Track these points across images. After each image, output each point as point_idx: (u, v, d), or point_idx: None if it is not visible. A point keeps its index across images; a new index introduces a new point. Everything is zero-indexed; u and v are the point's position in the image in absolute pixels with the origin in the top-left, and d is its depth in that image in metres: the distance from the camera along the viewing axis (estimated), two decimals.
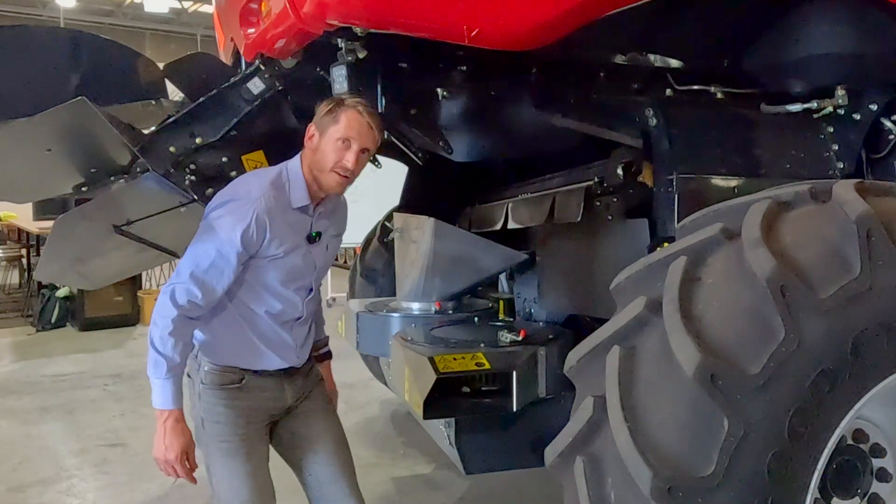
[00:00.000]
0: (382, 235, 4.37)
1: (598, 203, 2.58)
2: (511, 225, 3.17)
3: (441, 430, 2.80)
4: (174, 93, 2.65)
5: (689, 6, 2.23)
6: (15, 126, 2.10)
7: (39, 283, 8.26)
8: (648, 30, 2.30)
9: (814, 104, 2.40)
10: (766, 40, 2.37)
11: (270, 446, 2.24)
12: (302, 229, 2.10)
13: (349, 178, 2.05)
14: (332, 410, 2.34)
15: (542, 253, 3.04)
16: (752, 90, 2.51)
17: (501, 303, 3.34)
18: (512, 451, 2.70)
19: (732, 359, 1.46)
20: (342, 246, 2.49)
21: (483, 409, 2.44)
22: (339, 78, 2.19)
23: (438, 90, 2.39)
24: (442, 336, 2.69)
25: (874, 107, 2.46)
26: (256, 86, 2.34)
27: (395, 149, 2.69)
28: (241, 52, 2.47)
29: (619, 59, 2.40)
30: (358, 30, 1.98)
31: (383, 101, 2.31)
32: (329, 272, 2.33)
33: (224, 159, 2.33)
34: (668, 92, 2.46)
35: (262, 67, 2.33)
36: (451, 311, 3.02)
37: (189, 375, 2.12)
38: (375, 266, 4.46)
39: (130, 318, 8.18)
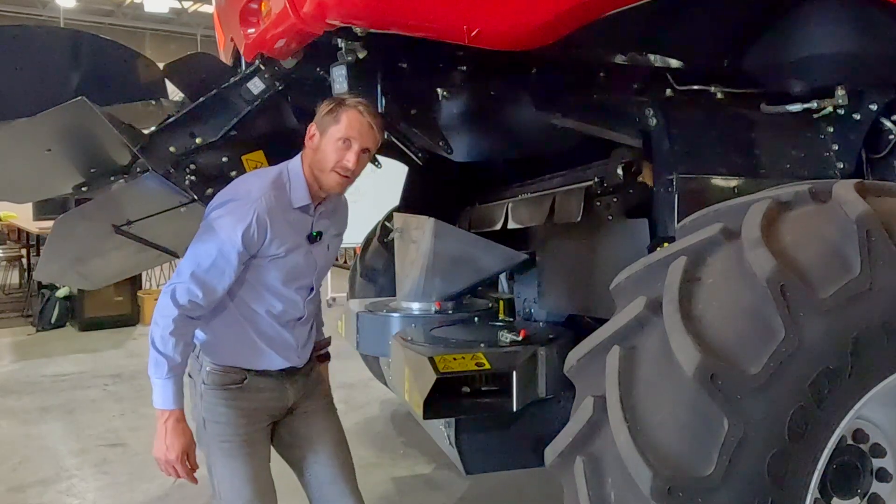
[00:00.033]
0: (382, 235, 4.37)
1: (598, 203, 2.58)
2: (511, 225, 3.17)
3: (441, 430, 2.80)
4: (174, 93, 2.65)
5: (689, 6, 2.22)
6: (15, 126, 2.10)
7: (39, 283, 8.26)
8: (648, 30, 2.30)
9: (814, 104, 2.40)
10: (766, 40, 2.37)
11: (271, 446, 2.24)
12: (303, 229, 2.10)
13: (350, 177, 2.05)
14: (333, 411, 2.34)
15: (542, 253, 3.04)
16: (752, 90, 2.50)
17: (501, 303, 3.34)
18: (512, 451, 2.70)
19: (732, 359, 1.46)
20: (342, 246, 2.49)
21: (483, 409, 2.44)
22: (339, 78, 2.19)
23: (438, 90, 2.39)
24: (442, 336, 2.69)
25: (874, 107, 2.46)
26: (256, 86, 2.34)
27: (395, 149, 2.69)
28: (241, 52, 2.47)
29: (619, 59, 2.40)
30: (358, 30, 1.98)
31: (383, 101, 2.31)
32: (329, 272, 2.33)
33: (224, 159, 2.33)
34: (668, 92, 2.46)
35: (262, 67, 2.33)
36: (451, 311, 3.02)
37: (190, 375, 2.12)
38: (375, 266, 4.46)
39: (130, 318, 8.19)
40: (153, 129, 2.28)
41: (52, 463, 4.14)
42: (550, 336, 2.65)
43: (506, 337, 2.57)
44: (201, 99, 2.34)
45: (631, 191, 2.49)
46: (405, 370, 2.45)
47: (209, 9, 18.91)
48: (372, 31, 1.98)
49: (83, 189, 2.47)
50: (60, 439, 4.57)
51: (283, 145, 2.35)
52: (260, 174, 2.11)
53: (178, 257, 2.98)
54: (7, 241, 11.06)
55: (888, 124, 2.49)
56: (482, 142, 2.87)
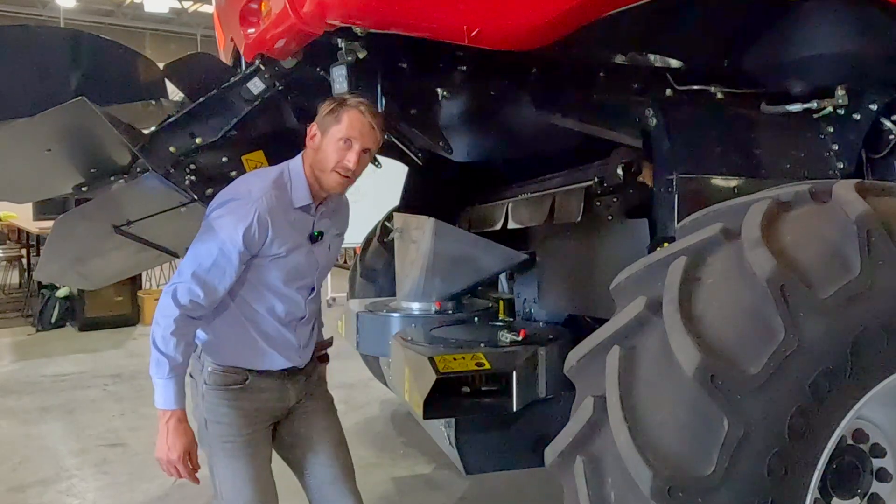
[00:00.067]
0: (382, 235, 4.38)
1: (598, 203, 2.58)
2: (511, 225, 3.17)
3: (441, 430, 2.80)
4: (174, 93, 2.64)
5: (689, 6, 2.23)
6: (15, 126, 2.10)
7: (39, 283, 8.27)
8: (648, 30, 2.30)
9: (814, 104, 2.40)
10: (766, 40, 2.37)
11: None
12: (304, 228, 2.10)
13: (350, 178, 2.05)
14: (333, 411, 2.34)
15: (542, 253, 3.04)
16: (752, 90, 2.51)
17: (501, 303, 3.34)
18: (512, 451, 2.71)
19: (732, 359, 1.46)
20: (342, 246, 2.49)
21: (483, 409, 2.45)
22: (339, 78, 2.19)
23: (438, 90, 2.39)
24: (442, 336, 2.69)
25: (874, 107, 2.46)
26: (256, 86, 2.34)
27: (395, 149, 2.69)
28: (241, 52, 2.47)
29: (619, 59, 2.40)
30: (358, 30, 1.98)
31: (383, 101, 2.31)
32: (329, 272, 2.33)
33: (224, 159, 2.33)
34: (668, 92, 2.46)
35: (262, 67, 2.33)
36: (451, 311, 3.02)
37: (192, 376, 2.12)
38: (375, 266, 4.47)
39: (130, 318, 8.19)
40: (153, 129, 2.28)
41: (52, 463, 4.14)
42: (550, 336, 2.66)
43: (506, 337, 2.58)
44: (201, 99, 2.34)
45: (631, 191, 2.49)
46: (405, 370, 2.45)
47: (209, 9, 18.92)
48: (372, 31, 1.98)
49: (83, 189, 2.47)
50: (60, 439, 4.57)
51: (283, 145, 2.35)
52: (261, 174, 2.11)
53: (178, 257, 2.98)
54: (7, 241, 11.06)
55: (888, 124, 2.49)
56: (482, 142, 2.88)
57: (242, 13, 2.35)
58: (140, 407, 5.12)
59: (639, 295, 1.70)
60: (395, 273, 3.39)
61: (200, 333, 2.08)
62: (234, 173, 2.31)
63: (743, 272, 1.56)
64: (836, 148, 2.49)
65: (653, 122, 2.44)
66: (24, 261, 9.83)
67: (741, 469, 1.43)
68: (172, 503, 3.58)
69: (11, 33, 2.29)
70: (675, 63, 2.46)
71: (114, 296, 7.98)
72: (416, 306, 3.07)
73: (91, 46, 2.33)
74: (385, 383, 4.46)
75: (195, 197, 2.26)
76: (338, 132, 2.00)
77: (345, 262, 10.78)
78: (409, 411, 4.16)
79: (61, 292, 8.02)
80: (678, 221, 2.14)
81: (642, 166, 2.45)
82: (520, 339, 2.55)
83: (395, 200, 3.94)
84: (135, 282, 8.29)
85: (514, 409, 2.38)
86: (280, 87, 2.35)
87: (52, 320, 8.02)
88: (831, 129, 2.50)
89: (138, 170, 2.34)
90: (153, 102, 2.53)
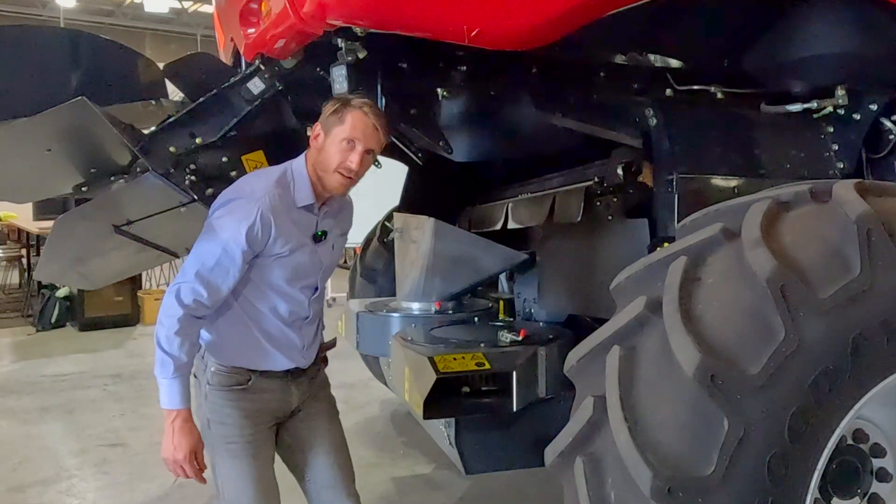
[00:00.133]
0: (382, 235, 4.38)
1: (598, 203, 2.58)
2: (511, 225, 3.17)
3: (441, 430, 2.80)
4: (174, 93, 2.64)
5: (689, 6, 2.23)
6: (15, 126, 2.09)
7: (39, 283, 8.27)
8: (648, 30, 2.30)
9: (814, 104, 2.40)
10: (766, 40, 2.37)
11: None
12: (307, 228, 2.10)
13: (353, 178, 2.05)
14: (335, 415, 2.33)
15: (542, 253, 3.04)
16: (752, 90, 2.51)
17: (501, 303, 3.34)
18: (512, 451, 2.70)
19: (732, 359, 1.46)
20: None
21: (483, 409, 2.44)
22: (339, 78, 2.19)
23: (438, 90, 2.39)
24: (442, 336, 2.69)
25: (874, 107, 2.47)
26: (256, 86, 2.34)
27: (395, 149, 2.69)
28: (241, 52, 2.47)
29: (619, 59, 2.40)
30: (358, 30, 1.98)
31: (383, 101, 2.31)
32: (332, 272, 2.33)
33: (224, 159, 2.33)
34: (668, 92, 2.46)
35: (262, 67, 2.33)
36: (451, 311, 3.02)
37: (195, 376, 2.11)
38: (375, 266, 4.47)
39: (130, 318, 8.18)
40: (153, 129, 2.28)
41: (52, 463, 4.14)
42: (550, 336, 2.65)
43: (506, 337, 2.57)
44: (201, 99, 2.34)
45: (631, 191, 2.49)
46: (405, 370, 2.45)
47: (209, 9, 18.92)
48: (372, 31, 1.98)
49: (83, 189, 2.47)
50: (60, 439, 4.57)
51: (283, 145, 2.35)
52: (264, 173, 2.11)
53: (178, 257, 2.98)
54: (7, 241, 11.06)
55: (888, 124, 2.49)
56: (482, 142, 2.88)
57: (242, 13, 2.35)
58: (140, 407, 5.12)
59: (639, 295, 1.70)
60: (395, 273, 3.39)
61: (204, 333, 2.08)
62: (234, 173, 2.31)
63: (743, 272, 1.56)
64: (836, 148, 2.49)
65: (653, 122, 2.44)
66: (24, 261, 9.84)
67: (741, 469, 1.43)
68: (172, 503, 3.58)
69: (11, 33, 2.29)
70: (675, 63, 2.46)
71: (114, 296, 7.98)
72: (416, 306, 3.06)
73: (91, 46, 2.33)
74: (385, 383, 4.46)
75: (195, 197, 2.26)
76: (341, 133, 1.99)
77: (345, 262, 10.77)
78: (409, 411, 4.16)
79: (61, 292, 8.03)
80: (678, 221, 2.14)
81: (642, 166, 2.45)
82: (520, 339, 2.55)
83: (395, 200, 3.94)
84: (135, 282, 8.28)
85: (514, 409, 2.38)
86: (280, 87, 2.35)
87: (52, 320, 8.02)
88: (831, 129, 2.50)
89: (138, 170, 2.34)
90: (153, 102, 2.53)
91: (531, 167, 3.24)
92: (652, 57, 2.44)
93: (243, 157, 2.35)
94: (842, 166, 2.48)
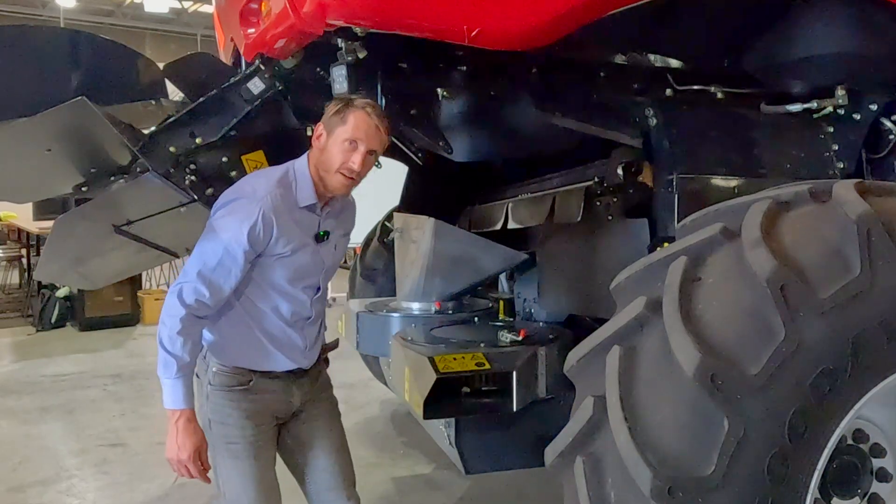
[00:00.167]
0: (382, 235, 4.38)
1: (598, 203, 2.58)
2: (511, 225, 3.17)
3: (441, 430, 2.80)
4: (174, 93, 2.64)
5: (689, 6, 2.23)
6: (15, 126, 2.10)
7: (39, 283, 8.27)
8: (648, 30, 2.30)
9: (814, 104, 2.40)
10: (766, 40, 2.37)
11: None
12: (310, 228, 2.10)
13: (355, 179, 2.05)
14: (337, 417, 2.33)
15: (542, 253, 3.04)
16: (752, 90, 2.51)
17: (501, 303, 3.33)
18: (512, 451, 2.70)
19: (732, 359, 1.46)
20: None
21: (483, 409, 2.44)
22: (339, 78, 2.19)
23: (438, 90, 2.39)
24: (442, 336, 2.69)
25: (874, 107, 2.47)
26: (256, 86, 2.33)
27: (396, 149, 2.69)
28: (241, 52, 2.47)
29: (619, 59, 2.40)
30: (358, 30, 1.98)
31: (383, 101, 2.31)
32: (335, 272, 2.33)
33: (224, 159, 2.33)
34: (668, 92, 2.46)
35: (262, 67, 2.33)
36: (451, 311, 3.02)
37: (197, 376, 2.11)
38: (375, 266, 4.47)
39: (130, 318, 8.18)
40: (153, 129, 2.28)
41: (52, 463, 4.14)
42: (550, 336, 2.65)
43: (506, 337, 2.57)
44: (201, 99, 2.34)
45: (631, 191, 2.49)
46: (405, 370, 2.45)
47: (209, 9, 18.92)
48: (372, 31, 1.98)
49: (83, 189, 2.47)
50: (60, 439, 4.57)
51: (283, 145, 2.35)
52: (266, 173, 2.11)
53: (178, 257, 2.98)
54: (7, 241, 11.06)
55: (888, 124, 2.49)
56: (482, 142, 2.88)
57: (242, 13, 2.35)
58: (140, 407, 5.12)
59: (639, 295, 1.70)
60: (395, 273, 3.39)
61: (206, 333, 2.08)
62: (234, 173, 2.31)
63: (743, 272, 1.56)
64: (836, 148, 2.49)
65: (653, 122, 2.44)
66: (24, 261, 9.83)
67: (741, 469, 1.43)
68: (172, 503, 3.58)
69: (11, 33, 2.29)
70: (675, 63, 2.46)
71: (114, 296, 7.98)
72: (416, 306, 3.06)
73: (91, 46, 2.33)
74: (385, 383, 4.46)
75: (195, 197, 2.26)
76: (343, 133, 1.99)
77: (345, 262, 10.77)
78: (409, 411, 4.16)
79: (61, 292, 8.02)
80: (678, 221, 2.14)
81: (642, 166, 2.45)
82: (520, 339, 2.55)
83: (395, 200, 3.94)
84: (135, 282, 8.28)
85: (514, 409, 2.38)
86: (280, 87, 2.35)
87: (52, 320, 8.02)
88: (831, 129, 2.50)
89: (138, 170, 2.34)
90: (153, 102, 2.53)
91: (531, 167, 3.24)
92: (652, 57, 2.44)
93: (243, 157, 2.35)
94: (842, 166, 2.48)
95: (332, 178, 2.03)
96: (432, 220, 2.85)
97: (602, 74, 2.46)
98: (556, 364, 2.43)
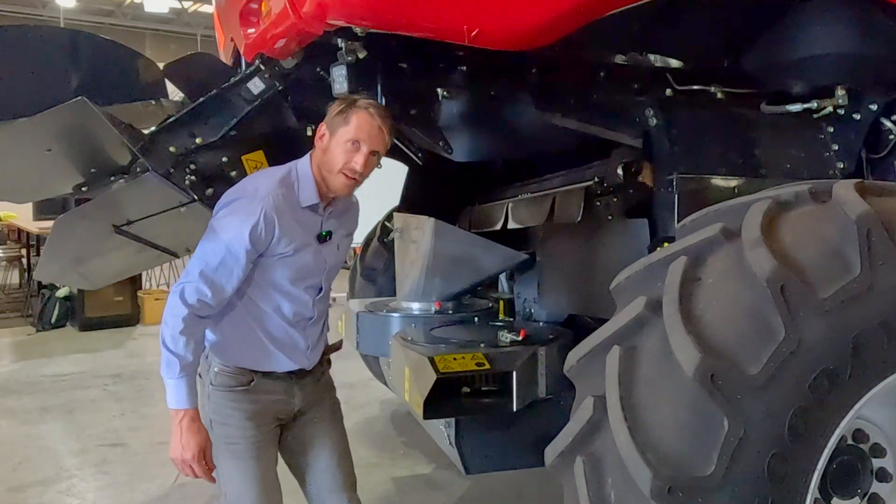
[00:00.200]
0: (382, 235, 4.37)
1: (598, 203, 2.58)
2: (511, 225, 3.17)
3: (441, 430, 2.80)
4: (174, 93, 2.64)
5: (689, 6, 2.23)
6: (15, 126, 2.10)
7: (39, 283, 8.26)
8: (648, 30, 2.30)
9: (814, 104, 2.40)
10: (766, 40, 2.37)
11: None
12: (312, 228, 2.10)
13: (357, 180, 2.05)
14: (339, 419, 2.32)
15: (542, 253, 3.04)
16: (752, 90, 2.51)
17: (501, 303, 3.33)
18: (512, 451, 2.70)
19: (732, 359, 1.46)
20: None
21: (483, 409, 2.44)
22: (339, 78, 2.19)
23: (438, 90, 2.39)
24: (442, 336, 2.69)
25: (874, 107, 2.46)
26: (256, 86, 2.34)
27: (395, 149, 2.69)
28: (241, 52, 2.47)
29: (619, 59, 2.40)
30: (358, 30, 1.98)
31: (383, 101, 2.31)
32: (337, 273, 2.32)
33: (224, 159, 2.33)
34: (668, 92, 2.46)
35: (262, 67, 2.33)
36: (451, 311, 3.02)
37: (200, 376, 2.11)
38: (375, 266, 4.46)
39: (130, 318, 8.18)
40: (153, 129, 2.28)
41: (52, 463, 4.14)
42: (550, 336, 2.65)
43: (506, 337, 2.57)
44: (201, 99, 2.34)
45: (631, 191, 2.49)
46: (405, 370, 2.45)
47: (209, 9, 18.91)
48: (372, 31, 1.98)
49: (83, 189, 2.47)
50: (60, 439, 4.57)
51: (282, 145, 2.35)
52: (268, 173, 2.11)
53: (178, 257, 2.98)
54: (7, 241, 11.06)
55: (888, 124, 2.49)
56: (482, 142, 2.87)
57: (242, 13, 2.35)
58: (140, 407, 5.12)
59: (639, 295, 1.70)
60: (395, 273, 3.39)
61: (208, 334, 2.08)
62: (234, 173, 2.32)
63: (743, 272, 1.56)
64: (836, 148, 2.49)
65: (653, 122, 2.44)
66: (24, 261, 9.83)
67: (741, 469, 1.43)
68: (172, 503, 3.58)
69: (11, 33, 2.29)
70: (675, 63, 2.46)
71: (114, 296, 7.98)
72: (416, 306, 3.06)
73: (91, 46, 2.33)
74: (385, 383, 4.45)
75: (195, 197, 2.26)
76: (346, 133, 1.99)
77: (345, 262, 10.76)
78: (409, 411, 4.15)
79: (61, 292, 8.02)
80: (678, 221, 2.14)
81: (642, 166, 2.45)
82: (520, 339, 2.55)
83: (395, 200, 3.94)
84: (135, 282, 8.28)
85: (514, 409, 2.38)
86: (280, 87, 2.35)
87: (52, 320, 8.02)
88: (831, 129, 2.50)
89: (138, 170, 2.34)
90: (153, 102, 2.53)
91: (531, 167, 3.24)
92: (652, 57, 2.44)
93: (243, 157, 2.36)
94: (842, 166, 2.47)
95: (334, 178, 2.03)
96: (432, 220, 2.85)
97: (602, 74, 2.46)
98: (556, 364, 2.43)
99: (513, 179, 3.41)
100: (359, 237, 4.76)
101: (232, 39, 2.72)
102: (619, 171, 2.45)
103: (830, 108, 2.40)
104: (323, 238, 2.12)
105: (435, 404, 2.26)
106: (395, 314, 3.02)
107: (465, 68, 2.38)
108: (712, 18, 2.32)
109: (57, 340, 7.51)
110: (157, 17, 22.78)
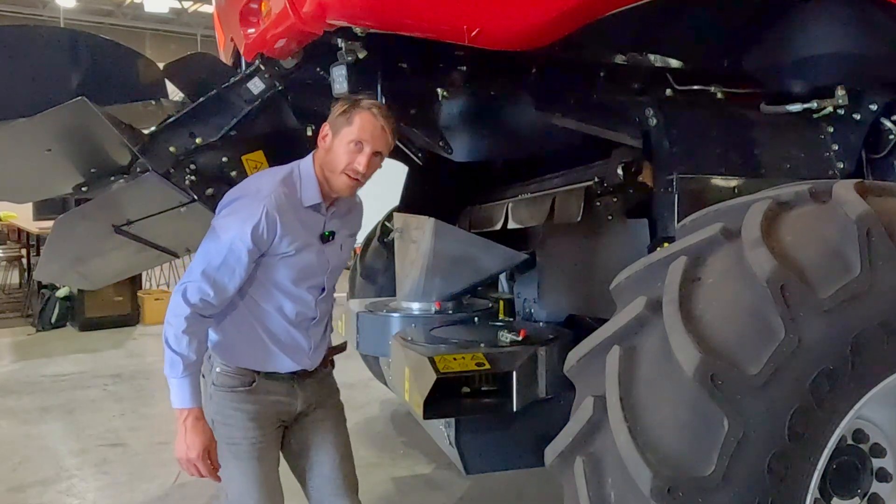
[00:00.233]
0: (382, 235, 4.37)
1: (598, 203, 2.58)
2: (511, 225, 3.17)
3: (441, 430, 2.80)
4: (174, 93, 2.65)
5: (689, 6, 2.23)
6: (15, 126, 2.10)
7: (39, 283, 8.26)
8: (648, 30, 2.30)
9: (814, 104, 2.40)
10: (766, 40, 2.37)
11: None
12: (314, 228, 2.09)
13: (360, 180, 2.04)
14: (343, 423, 2.32)
15: (542, 253, 3.04)
16: (752, 90, 2.51)
17: (501, 303, 3.33)
18: (512, 451, 2.70)
19: (732, 359, 1.46)
20: None
21: (483, 409, 2.44)
22: (339, 78, 2.19)
23: (438, 90, 2.39)
24: (442, 336, 2.69)
25: (874, 107, 2.46)
26: (256, 86, 2.34)
27: (396, 149, 2.68)
28: (241, 52, 2.47)
29: (619, 59, 2.40)
30: (358, 30, 1.98)
31: (383, 101, 2.31)
32: (341, 273, 2.31)
33: (224, 159, 2.33)
34: (668, 92, 2.46)
35: (262, 67, 2.33)
36: (451, 311, 3.02)
37: (203, 376, 2.11)
38: (375, 266, 4.46)
39: (130, 318, 8.18)
40: (153, 129, 2.28)
41: (52, 463, 4.14)
42: (550, 336, 2.65)
43: (506, 337, 2.57)
44: (201, 99, 2.34)
45: (631, 191, 2.49)
46: (405, 370, 2.45)
47: (209, 9, 18.92)
48: (372, 31, 1.98)
49: (83, 189, 2.47)
50: (60, 439, 4.57)
51: (282, 145, 2.35)
52: (270, 172, 2.11)
53: (178, 257, 2.98)
54: (7, 241, 11.06)
55: (888, 124, 2.49)
56: (482, 142, 2.88)
57: (242, 13, 2.35)
58: (140, 407, 5.12)
59: (639, 295, 1.70)
60: (395, 273, 3.39)
61: (210, 333, 2.08)
62: (234, 173, 2.32)
63: (743, 272, 1.56)
64: (836, 148, 2.49)
65: (653, 122, 2.44)
66: (24, 261, 9.83)
67: (741, 469, 1.43)
68: (172, 503, 3.58)
69: (11, 33, 2.29)
70: (675, 63, 2.46)
71: (114, 296, 7.98)
72: (416, 306, 3.06)
73: (91, 46, 2.33)
74: (385, 383, 4.46)
75: (195, 197, 2.26)
76: (349, 134, 1.99)
77: None
78: (409, 411, 4.16)
79: (61, 292, 8.02)
80: (678, 221, 2.14)
81: (642, 166, 2.45)
82: (520, 339, 2.55)
83: (395, 200, 3.94)
84: (135, 282, 8.28)
85: (514, 409, 2.38)
86: (280, 87, 2.35)
87: (52, 320, 8.02)
88: (831, 129, 2.50)
89: (138, 170, 2.35)
90: (153, 102, 2.53)
91: (531, 167, 3.24)
92: (652, 57, 2.44)
93: (243, 158, 2.35)
94: (842, 166, 2.47)
95: (336, 178, 2.03)
96: (432, 220, 2.85)
97: (602, 74, 2.46)
98: (556, 364, 2.43)
99: (513, 179, 3.41)
100: (359, 237, 4.77)
101: (232, 39, 2.72)
102: (619, 171, 2.45)
103: (830, 108, 2.40)
104: (326, 238, 2.12)
105: (435, 404, 2.26)
106: (395, 314, 3.02)
107: (465, 68, 2.37)
108: (712, 18, 2.32)
109: (57, 340, 7.51)
110: (157, 17, 22.78)
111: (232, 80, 2.35)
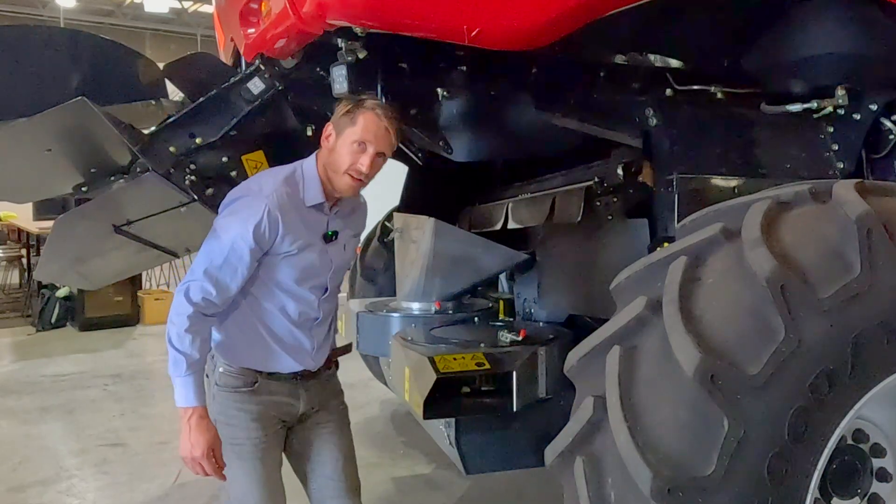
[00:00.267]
0: (382, 235, 4.37)
1: (598, 203, 2.58)
2: (511, 225, 3.17)
3: (441, 430, 2.80)
4: (174, 93, 2.65)
5: (689, 6, 2.23)
6: (15, 126, 2.10)
7: (39, 283, 8.26)
8: (648, 30, 2.30)
9: (814, 104, 2.40)
10: (766, 40, 2.37)
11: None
12: (317, 227, 2.09)
13: (363, 181, 2.04)
14: (346, 426, 2.31)
15: (542, 253, 3.04)
16: (752, 90, 2.51)
17: (501, 303, 3.33)
18: (512, 451, 2.70)
19: (732, 359, 1.46)
20: None
21: (483, 409, 2.44)
22: (339, 78, 2.19)
23: (438, 90, 2.39)
24: (442, 336, 2.69)
25: (874, 107, 2.46)
26: (256, 86, 2.34)
27: (396, 149, 2.69)
28: (241, 52, 2.47)
29: (619, 59, 2.40)
30: (358, 30, 1.98)
31: (383, 100, 2.31)
32: (344, 273, 2.31)
33: (224, 159, 2.33)
34: (668, 92, 2.46)
35: (262, 67, 2.33)
36: (451, 311, 3.02)
37: (207, 376, 2.11)
38: (375, 266, 4.46)
39: (130, 318, 8.17)
40: (153, 129, 2.29)
41: (52, 463, 4.14)
42: (550, 336, 2.65)
43: (506, 337, 2.57)
44: (201, 99, 2.34)
45: (631, 191, 2.49)
46: (405, 370, 2.45)
47: (209, 9, 18.91)
48: (372, 31, 1.98)
49: (83, 189, 2.47)
50: (60, 439, 4.57)
51: (282, 145, 2.35)
52: (273, 172, 2.11)
53: (178, 257, 2.98)
54: (7, 241, 11.05)
55: (888, 124, 2.49)
56: (482, 142, 2.87)
57: (242, 13, 2.35)
58: (140, 407, 5.12)
59: (639, 295, 1.70)
60: (395, 273, 3.39)
61: (213, 333, 2.08)
62: (234, 173, 2.32)
63: (743, 272, 1.56)
64: (836, 148, 2.49)
65: (653, 122, 2.43)
66: (24, 261, 9.83)
67: (741, 469, 1.43)
68: (172, 503, 3.58)
69: (11, 33, 2.30)
70: (675, 63, 2.46)
71: (114, 296, 7.97)
72: (416, 306, 3.06)
73: (91, 46, 2.34)
74: (385, 383, 4.45)
75: (195, 197, 2.26)
76: (352, 134, 1.98)
77: None
78: (409, 411, 4.16)
79: (61, 292, 8.02)
80: (678, 221, 2.14)
81: (642, 166, 2.45)
82: (520, 339, 2.55)
83: (395, 200, 3.94)
84: (135, 282, 8.27)
85: (515, 409, 2.38)
86: (280, 87, 2.35)
87: (52, 320, 8.01)
88: (831, 129, 2.50)
89: (138, 170, 2.35)
90: (153, 102, 2.53)
91: (531, 167, 3.24)
92: (652, 57, 2.44)
93: (243, 158, 2.36)
94: (842, 166, 2.47)
95: (339, 179, 2.03)
96: (432, 220, 2.85)
97: (602, 74, 2.46)
98: (556, 364, 2.43)
99: (513, 179, 3.41)
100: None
101: (232, 39, 2.72)
102: (619, 171, 2.45)
103: (830, 108, 2.39)
104: (329, 238, 2.12)
105: (435, 404, 2.26)
106: (395, 314, 3.02)
107: (465, 68, 2.37)
108: (712, 18, 2.32)
109: (57, 340, 7.51)
110: (157, 17, 22.78)
111: (232, 80, 2.35)
